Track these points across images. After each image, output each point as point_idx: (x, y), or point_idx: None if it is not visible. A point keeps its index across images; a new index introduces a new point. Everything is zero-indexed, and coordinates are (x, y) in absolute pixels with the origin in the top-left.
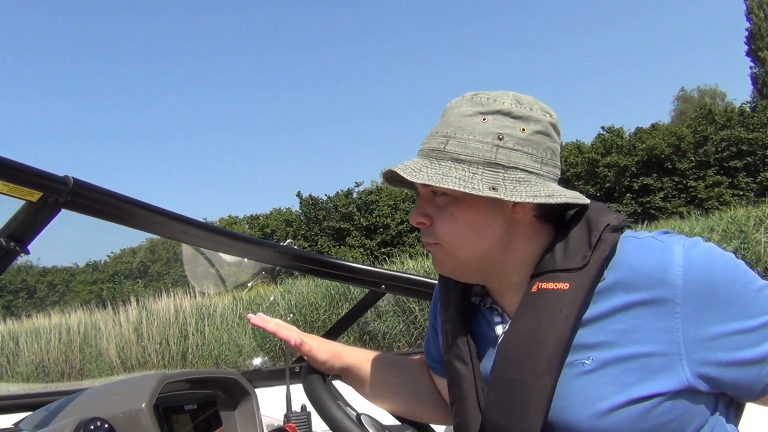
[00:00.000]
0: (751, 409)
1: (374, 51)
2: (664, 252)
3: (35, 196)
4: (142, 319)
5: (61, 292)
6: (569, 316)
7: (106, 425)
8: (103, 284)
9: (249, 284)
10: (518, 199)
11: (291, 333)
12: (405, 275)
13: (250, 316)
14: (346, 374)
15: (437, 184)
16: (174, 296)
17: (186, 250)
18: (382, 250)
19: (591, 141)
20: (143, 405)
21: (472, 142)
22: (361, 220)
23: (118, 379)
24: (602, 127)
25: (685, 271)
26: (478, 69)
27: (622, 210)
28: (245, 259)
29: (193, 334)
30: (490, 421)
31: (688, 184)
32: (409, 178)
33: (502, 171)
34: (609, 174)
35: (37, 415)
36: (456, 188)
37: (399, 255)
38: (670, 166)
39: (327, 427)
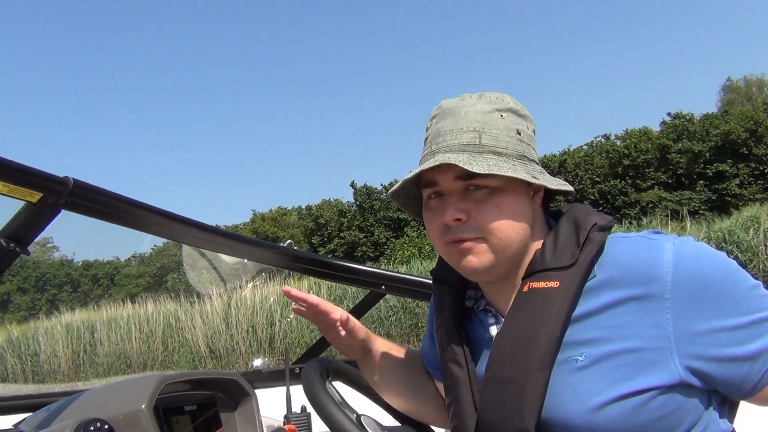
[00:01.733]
0: (747, 408)
1: (429, 46)
2: (654, 249)
3: (35, 197)
4: (231, 308)
5: (105, 285)
6: (560, 314)
7: (106, 426)
8: (151, 277)
9: (249, 285)
10: (555, 187)
11: (335, 308)
12: (405, 276)
13: (288, 289)
14: (366, 361)
15: (499, 173)
16: (257, 285)
17: (186, 251)
18: None
19: (653, 127)
20: (143, 406)
21: (502, 136)
22: (399, 214)
23: (118, 380)
24: (668, 113)
25: (674, 268)
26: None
27: (694, 197)
28: (246, 260)
29: (279, 321)
30: (485, 421)
31: (766, 170)
32: (473, 170)
33: (528, 163)
34: (681, 160)
35: (37, 416)
36: (516, 175)
37: None
38: (746, 152)
39: (327, 428)
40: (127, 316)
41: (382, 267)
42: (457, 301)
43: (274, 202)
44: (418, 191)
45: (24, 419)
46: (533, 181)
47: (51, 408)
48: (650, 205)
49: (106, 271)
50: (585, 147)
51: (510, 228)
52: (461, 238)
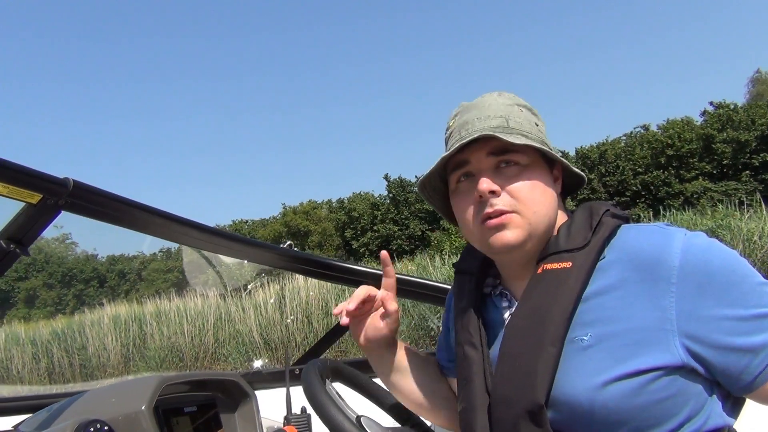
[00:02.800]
0: (749, 409)
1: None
2: (666, 237)
3: (35, 198)
4: (285, 299)
5: (132, 280)
6: (572, 292)
7: (106, 427)
8: (180, 272)
9: (249, 286)
10: (576, 169)
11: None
12: (405, 277)
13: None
14: (385, 358)
15: (536, 144)
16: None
17: (186, 252)
18: None
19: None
20: (143, 407)
21: (526, 124)
22: None
23: (119, 381)
24: (711, 102)
25: (683, 255)
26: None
27: (740, 188)
28: (245, 261)
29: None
30: (498, 396)
31: None
32: (515, 141)
33: (549, 150)
34: (726, 150)
35: (37, 417)
36: (556, 155)
37: None
38: None
39: (327, 429)
40: (176, 308)
41: (420, 261)
42: (476, 289)
43: (305, 195)
44: (443, 185)
45: (24, 420)
46: (560, 159)
47: (51, 409)
48: (695, 196)
49: (132, 265)
50: (623, 138)
51: (541, 203)
52: (497, 211)
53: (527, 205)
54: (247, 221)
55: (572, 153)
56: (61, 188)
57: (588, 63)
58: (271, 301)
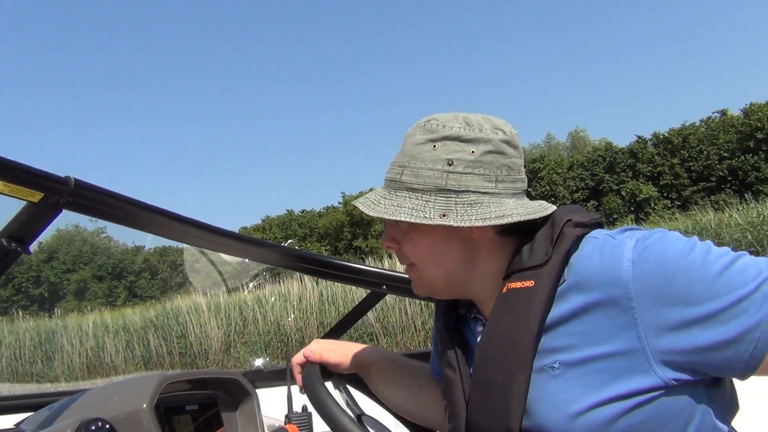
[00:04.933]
0: (749, 409)
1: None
2: (615, 249)
3: (36, 196)
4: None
5: (185, 272)
6: (537, 313)
7: (108, 426)
8: (238, 263)
9: (251, 284)
10: (468, 224)
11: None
12: (406, 276)
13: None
14: (361, 372)
15: (390, 217)
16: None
17: (188, 250)
18: None
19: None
20: (144, 405)
21: (423, 171)
22: (529, 189)
23: (120, 379)
24: None
25: (634, 265)
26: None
27: None
28: (246, 260)
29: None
30: (473, 423)
31: None
32: (366, 212)
33: (454, 195)
34: None
35: (38, 416)
36: (408, 219)
37: None
38: None
39: (328, 428)
40: (278, 292)
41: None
42: (448, 311)
43: (365, 183)
44: None
45: (25, 419)
46: (429, 222)
47: (52, 407)
48: None
49: (183, 257)
50: (698, 123)
51: (426, 262)
52: (403, 264)
53: (416, 264)
54: (303, 211)
55: (648, 137)
56: (62, 187)
57: (662, 50)
58: (272, 299)
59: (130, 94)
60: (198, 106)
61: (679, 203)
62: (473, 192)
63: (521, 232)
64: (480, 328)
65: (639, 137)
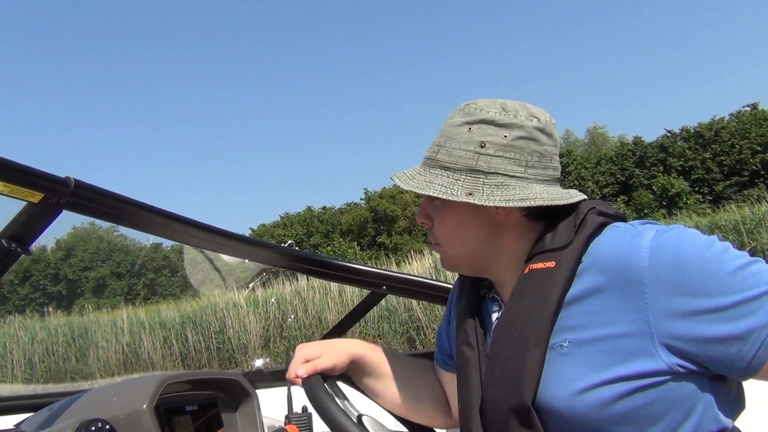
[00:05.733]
0: (749, 408)
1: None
2: (635, 237)
3: (36, 197)
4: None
5: (206, 270)
6: (556, 292)
7: (108, 426)
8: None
9: (251, 285)
10: (491, 203)
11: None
12: (406, 276)
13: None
14: (351, 367)
15: (421, 192)
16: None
17: (187, 251)
18: None
19: None
20: (144, 406)
21: (457, 151)
22: None
23: (120, 380)
24: None
25: (651, 253)
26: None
27: None
28: (246, 260)
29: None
30: (487, 397)
31: None
32: (400, 185)
33: (483, 176)
34: None
35: (38, 416)
36: (436, 194)
37: None
38: None
39: (328, 429)
40: (317, 286)
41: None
42: (473, 289)
43: (386, 180)
44: None
45: (25, 419)
46: (457, 199)
47: (52, 408)
48: None
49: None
50: (727, 117)
51: (453, 239)
52: (430, 241)
53: (443, 243)
54: (323, 208)
55: (677, 131)
56: (62, 187)
57: (681, 47)
58: (273, 300)
59: (149, 94)
60: (216, 106)
61: (711, 198)
62: (501, 174)
63: (549, 218)
64: (496, 308)
65: (668, 131)
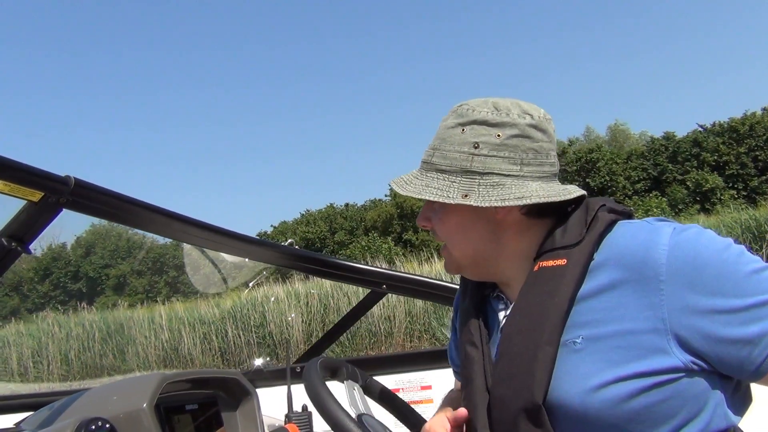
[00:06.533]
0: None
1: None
2: (653, 233)
3: (36, 196)
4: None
5: (229, 267)
6: (568, 290)
7: (108, 425)
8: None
9: (250, 284)
10: (486, 204)
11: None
12: (407, 275)
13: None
14: None
15: (416, 196)
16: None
17: (187, 249)
18: None
19: None
20: (144, 405)
21: (451, 153)
22: (588, 179)
23: (120, 379)
24: None
25: (669, 250)
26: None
27: None
28: (246, 259)
29: None
30: (497, 396)
31: None
32: (396, 190)
33: (478, 177)
34: None
35: (38, 415)
36: (432, 198)
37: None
38: None
39: (328, 427)
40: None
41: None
42: (476, 289)
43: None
44: None
45: (25, 418)
46: (451, 201)
47: (52, 407)
48: None
49: None
50: (760, 111)
51: (454, 240)
52: (439, 242)
53: (446, 242)
54: (346, 204)
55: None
56: (62, 186)
57: (701, 42)
58: (273, 299)
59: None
60: (233, 106)
61: (745, 193)
62: (497, 174)
63: (553, 215)
64: (501, 306)
65: (701, 126)
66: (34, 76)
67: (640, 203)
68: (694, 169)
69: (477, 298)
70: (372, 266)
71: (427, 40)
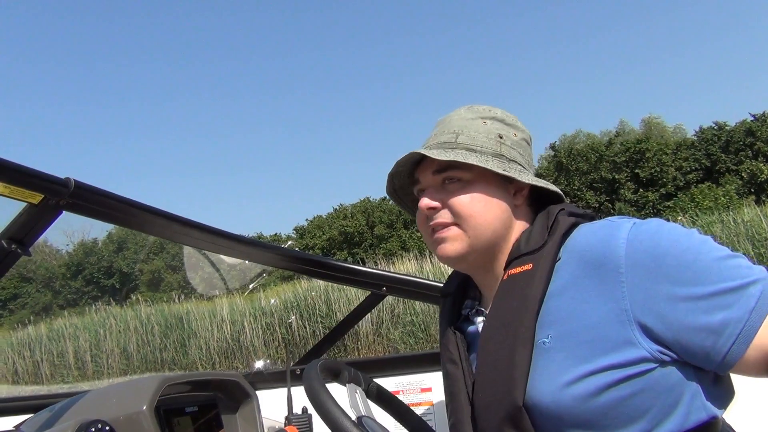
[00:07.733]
0: (747, 405)
1: None
2: (612, 229)
3: (36, 198)
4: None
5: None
6: (536, 293)
7: (108, 427)
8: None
9: (250, 286)
10: (528, 181)
11: None
12: (407, 277)
13: None
14: None
15: (465, 160)
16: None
17: (187, 251)
18: (665, 203)
19: None
20: (144, 407)
21: (479, 137)
22: (636, 170)
23: (120, 381)
24: None
25: (628, 243)
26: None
27: None
28: (246, 261)
29: None
30: (479, 406)
31: None
32: (437, 157)
33: (507, 162)
34: None
35: (38, 417)
36: (480, 164)
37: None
38: None
39: (328, 429)
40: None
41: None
42: (453, 308)
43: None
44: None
45: (25, 420)
46: (500, 172)
47: (53, 409)
48: None
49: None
50: None
51: (481, 215)
52: (438, 224)
53: (465, 219)
54: (383, 198)
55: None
56: (62, 188)
57: (736, 37)
58: (273, 301)
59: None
60: (251, 111)
61: None
62: (518, 164)
63: (535, 215)
64: (480, 318)
65: (755, 115)
66: (37, 80)
67: (699, 196)
68: (747, 159)
69: (453, 316)
70: (372, 268)
71: (473, 42)
